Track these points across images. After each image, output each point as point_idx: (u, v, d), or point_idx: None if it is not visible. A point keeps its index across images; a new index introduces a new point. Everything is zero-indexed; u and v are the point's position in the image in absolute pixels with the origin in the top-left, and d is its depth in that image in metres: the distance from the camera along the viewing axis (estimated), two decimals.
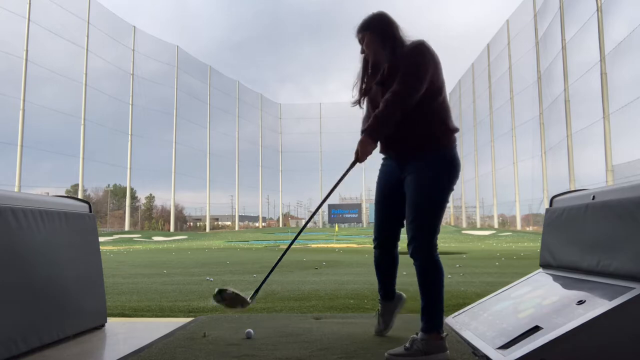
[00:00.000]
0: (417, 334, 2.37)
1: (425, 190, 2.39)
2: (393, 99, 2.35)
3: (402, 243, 2.53)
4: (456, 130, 2.51)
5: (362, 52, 2.60)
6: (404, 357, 2.30)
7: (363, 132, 2.44)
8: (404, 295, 2.91)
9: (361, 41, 2.58)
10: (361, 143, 2.41)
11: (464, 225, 44.16)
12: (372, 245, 2.80)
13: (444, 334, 2.38)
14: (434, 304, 2.38)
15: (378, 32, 2.50)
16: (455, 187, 2.47)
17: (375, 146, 2.47)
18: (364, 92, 2.63)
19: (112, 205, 55.13)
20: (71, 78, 30.26)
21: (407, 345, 2.33)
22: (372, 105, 2.59)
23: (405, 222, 2.51)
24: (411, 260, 2.46)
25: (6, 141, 25.83)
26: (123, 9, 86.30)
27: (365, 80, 2.63)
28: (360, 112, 2.75)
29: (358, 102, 2.68)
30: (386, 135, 2.47)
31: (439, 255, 2.46)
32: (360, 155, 2.45)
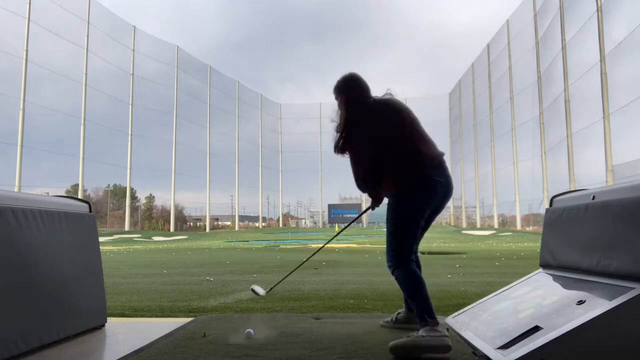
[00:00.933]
0: (417, 330, 2.50)
1: (389, 217, 2.78)
2: (390, 171, 2.77)
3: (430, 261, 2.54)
4: (411, 171, 2.68)
5: (339, 106, 2.94)
6: (406, 341, 2.41)
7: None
8: None
9: (336, 99, 2.96)
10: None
11: (464, 225, 44.13)
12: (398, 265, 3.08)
13: (444, 329, 2.50)
14: (421, 303, 2.55)
15: (343, 95, 2.89)
16: (428, 208, 2.73)
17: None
18: (346, 141, 2.86)
19: (112, 205, 55.11)
20: (71, 78, 30.27)
21: (408, 335, 2.47)
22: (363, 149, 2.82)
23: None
24: (422, 264, 2.83)
25: (6, 141, 25.86)
26: (123, 9, 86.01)
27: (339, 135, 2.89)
28: None
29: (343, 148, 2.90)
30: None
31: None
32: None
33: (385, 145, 2.70)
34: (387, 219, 2.79)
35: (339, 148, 2.85)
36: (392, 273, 2.71)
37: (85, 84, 30.94)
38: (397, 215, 2.71)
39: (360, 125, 2.76)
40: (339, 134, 2.85)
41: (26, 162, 26.44)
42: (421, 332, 2.44)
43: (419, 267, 2.99)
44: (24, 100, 26.00)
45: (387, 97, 2.87)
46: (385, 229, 2.83)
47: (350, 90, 2.88)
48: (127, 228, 37.13)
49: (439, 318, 3.21)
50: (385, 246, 2.81)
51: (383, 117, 2.75)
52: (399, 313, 3.11)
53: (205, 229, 47.06)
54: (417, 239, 2.74)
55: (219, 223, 58.05)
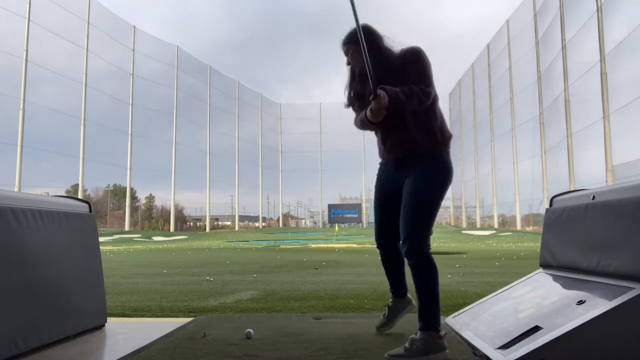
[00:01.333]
0: (416, 334, 2.39)
1: (420, 192, 2.45)
2: (422, 95, 2.41)
3: None
4: (451, 136, 2.58)
5: (348, 63, 2.70)
6: (404, 357, 2.30)
7: (378, 90, 2.34)
8: (413, 302, 2.89)
9: (346, 53, 2.68)
10: (379, 104, 2.34)
11: (464, 225, 44.13)
12: (375, 246, 2.91)
13: (443, 332, 2.40)
14: (430, 302, 2.41)
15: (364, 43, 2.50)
16: (449, 190, 2.55)
17: (384, 112, 2.37)
18: (353, 100, 2.72)
19: (112, 205, 55.11)
20: (71, 78, 30.27)
21: (407, 345, 2.34)
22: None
23: (400, 221, 2.53)
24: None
25: (6, 141, 25.85)
26: (123, 9, 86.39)
27: (353, 88, 2.71)
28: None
29: (350, 105, 2.76)
30: (390, 133, 2.57)
31: (434, 255, 2.51)
32: (373, 115, 2.40)
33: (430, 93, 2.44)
34: (412, 192, 2.45)
35: (372, 93, 2.37)
36: (413, 256, 2.41)
37: (85, 84, 30.95)
38: (430, 193, 2.42)
39: (394, 70, 2.50)
40: (359, 83, 2.59)
41: (26, 162, 26.47)
42: (419, 344, 2.30)
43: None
44: (24, 100, 26.01)
45: (407, 48, 2.56)
46: (408, 205, 2.45)
47: (372, 36, 2.56)
48: (127, 228, 37.13)
49: None
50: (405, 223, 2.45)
51: (423, 62, 2.49)
52: (388, 307, 2.93)
53: (205, 229, 47.05)
54: None
55: (219, 223, 58.04)
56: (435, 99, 2.52)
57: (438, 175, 2.49)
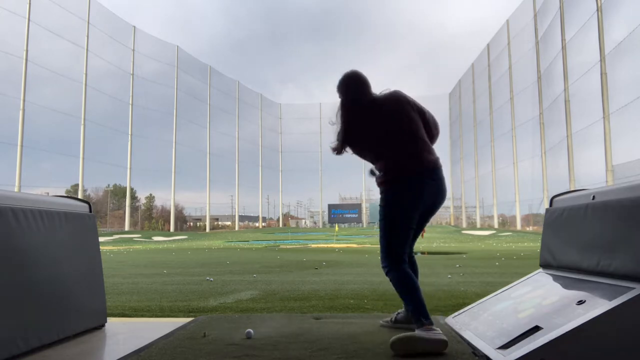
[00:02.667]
0: (414, 330, 2.52)
1: (380, 218, 2.78)
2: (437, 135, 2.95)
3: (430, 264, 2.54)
4: (409, 166, 2.72)
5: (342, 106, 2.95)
6: (405, 334, 2.43)
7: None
8: None
9: (340, 97, 2.95)
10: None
11: (464, 225, 44.11)
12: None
13: (439, 330, 2.52)
14: (414, 304, 2.58)
15: (341, 95, 2.93)
16: (449, 190, 2.70)
17: None
18: (344, 143, 2.94)
19: (112, 205, 55.10)
20: (71, 78, 30.28)
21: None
22: (360, 148, 2.92)
23: None
24: (422, 264, 2.67)
25: (6, 141, 25.86)
26: (123, 9, 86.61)
27: (346, 130, 2.90)
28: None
29: (340, 149, 2.97)
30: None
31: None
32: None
33: (378, 144, 2.79)
34: (379, 221, 2.82)
35: (337, 148, 2.93)
36: (386, 274, 2.73)
37: (85, 84, 30.95)
38: (387, 217, 2.73)
39: (355, 125, 2.84)
40: (338, 134, 2.91)
41: (26, 162, 26.47)
42: (417, 332, 2.47)
43: (415, 267, 3.00)
44: (24, 100, 26.01)
45: (387, 92, 2.87)
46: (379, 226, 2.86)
47: (348, 89, 2.90)
48: (127, 228, 37.13)
49: (439, 318, 3.23)
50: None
51: (379, 115, 2.79)
52: (398, 313, 3.11)
53: (205, 229, 47.05)
54: (408, 240, 2.73)
55: (219, 223, 58.04)
56: (380, 146, 2.80)
57: (392, 198, 2.73)
